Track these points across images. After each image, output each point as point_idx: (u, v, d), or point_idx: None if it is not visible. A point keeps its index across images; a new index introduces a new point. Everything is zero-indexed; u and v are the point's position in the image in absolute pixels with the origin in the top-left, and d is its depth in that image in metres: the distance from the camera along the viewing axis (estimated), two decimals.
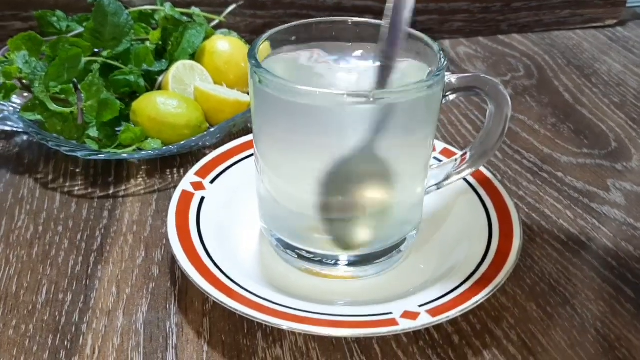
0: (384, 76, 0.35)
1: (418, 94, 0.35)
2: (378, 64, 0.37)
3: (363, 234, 0.40)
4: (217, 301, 0.36)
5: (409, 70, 0.39)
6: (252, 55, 0.37)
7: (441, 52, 0.37)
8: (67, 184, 0.52)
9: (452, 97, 0.39)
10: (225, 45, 0.60)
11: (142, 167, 0.54)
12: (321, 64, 0.40)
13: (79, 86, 0.51)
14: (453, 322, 0.39)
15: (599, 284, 0.43)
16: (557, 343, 0.38)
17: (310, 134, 0.37)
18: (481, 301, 0.36)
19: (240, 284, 0.38)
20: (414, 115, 0.37)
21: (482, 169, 0.48)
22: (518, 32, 0.82)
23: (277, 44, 0.40)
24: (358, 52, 0.41)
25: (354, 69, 0.40)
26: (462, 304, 0.36)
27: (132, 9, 0.61)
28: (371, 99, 0.34)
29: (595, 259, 0.45)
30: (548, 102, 0.67)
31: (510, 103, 0.39)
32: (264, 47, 0.40)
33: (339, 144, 0.36)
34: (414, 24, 0.39)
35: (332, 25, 0.41)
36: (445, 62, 0.37)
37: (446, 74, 0.38)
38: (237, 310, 0.35)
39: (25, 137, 0.57)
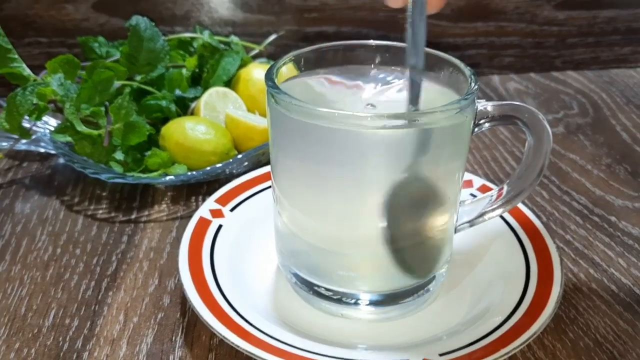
0: (412, 96, 0.33)
1: (444, 119, 0.32)
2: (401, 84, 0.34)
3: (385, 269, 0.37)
4: (221, 337, 0.33)
5: (437, 97, 0.36)
6: (269, 76, 0.35)
7: (472, 77, 0.34)
8: (92, 207, 0.51)
9: (486, 126, 0.36)
10: (261, 74, 0.59)
11: (168, 194, 0.52)
12: (343, 88, 0.37)
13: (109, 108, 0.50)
14: None
15: None
16: None
17: (328, 160, 0.34)
18: (511, 354, 0.32)
19: (249, 321, 0.35)
20: (440, 144, 0.34)
21: (523, 208, 0.44)
22: (573, 70, 0.78)
23: (301, 66, 0.38)
24: (382, 75, 0.38)
25: (376, 93, 0.38)
26: (488, 355, 0.32)
27: (170, 36, 0.61)
28: (391, 123, 0.31)
29: None
30: (603, 142, 0.62)
31: (551, 135, 0.36)
32: (288, 69, 0.38)
33: (361, 174, 0.34)
34: (461, 58, 0.36)
35: (357, 49, 0.39)
36: (477, 87, 0.34)
37: (480, 101, 0.35)
38: (240, 348, 0.33)
39: (60, 161, 0.57)
